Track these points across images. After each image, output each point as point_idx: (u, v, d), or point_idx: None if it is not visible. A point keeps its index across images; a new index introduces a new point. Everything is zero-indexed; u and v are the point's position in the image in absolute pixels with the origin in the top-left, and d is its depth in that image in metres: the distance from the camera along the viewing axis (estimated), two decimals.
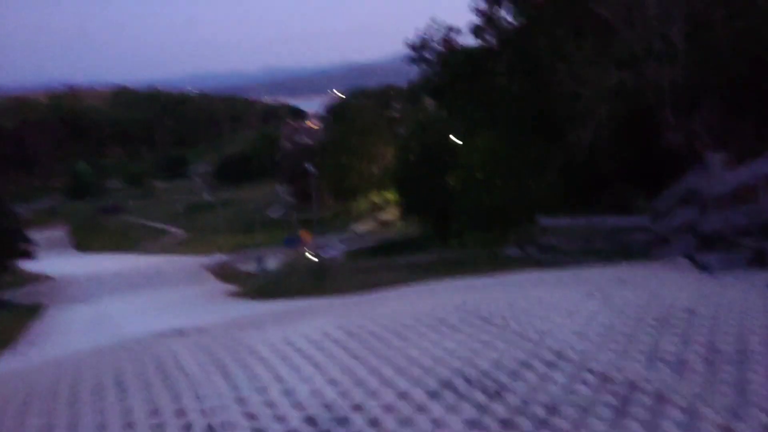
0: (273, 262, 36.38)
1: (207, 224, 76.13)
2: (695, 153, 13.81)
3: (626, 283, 3.28)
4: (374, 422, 1.85)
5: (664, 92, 14.48)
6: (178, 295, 26.98)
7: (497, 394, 2.01)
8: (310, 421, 1.89)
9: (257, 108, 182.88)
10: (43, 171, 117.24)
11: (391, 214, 65.65)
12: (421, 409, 1.93)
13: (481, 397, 1.99)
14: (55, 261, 51.87)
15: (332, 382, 2.16)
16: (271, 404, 2.04)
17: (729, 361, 2.16)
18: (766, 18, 13.45)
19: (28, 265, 40.05)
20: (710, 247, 5.20)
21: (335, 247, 35.63)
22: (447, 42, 29.49)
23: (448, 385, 2.08)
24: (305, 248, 43.38)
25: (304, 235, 51.38)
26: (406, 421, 1.84)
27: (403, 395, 2.03)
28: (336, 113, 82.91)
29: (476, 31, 25.69)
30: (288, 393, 2.11)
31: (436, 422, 1.82)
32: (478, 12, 25.39)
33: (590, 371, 2.11)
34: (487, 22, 25.14)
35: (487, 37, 25.75)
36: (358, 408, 1.96)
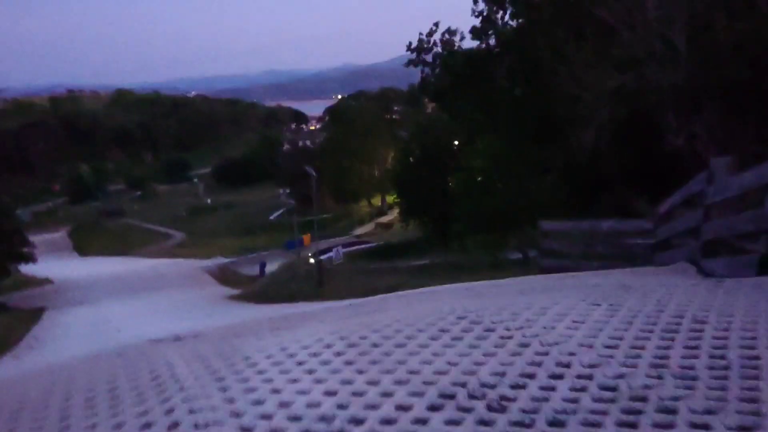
0: (273, 265, 36.30)
1: (208, 227, 76.17)
2: (697, 156, 13.76)
3: (632, 291, 3.22)
4: None
5: (665, 95, 14.44)
6: (178, 299, 26.95)
7: (500, 406, 1.95)
8: None
9: (258, 111, 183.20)
10: (43, 174, 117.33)
11: (391, 216, 65.63)
12: (420, 422, 1.87)
13: (482, 410, 1.92)
14: (55, 264, 51.83)
15: (329, 394, 2.10)
16: (267, 417, 1.98)
17: (741, 373, 2.09)
18: (767, 20, 13.39)
19: (28, 268, 40.02)
20: (714, 253, 5.14)
21: (335, 250, 35.54)
22: (447, 45, 29.48)
23: (449, 397, 2.01)
24: (306, 251, 43.31)
25: (305, 238, 51.33)
26: None
27: (402, 407, 1.97)
28: (336, 116, 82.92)
29: (476, 33, 25.68)
30: (284, 405, 2.04)
31: None
32: (478, 14, 25.40)
33: (596, 383, 2.04)
34: (487, 25, 25.13)
35: (488, 39, 25.75)
36: (355, 421, 1.90)
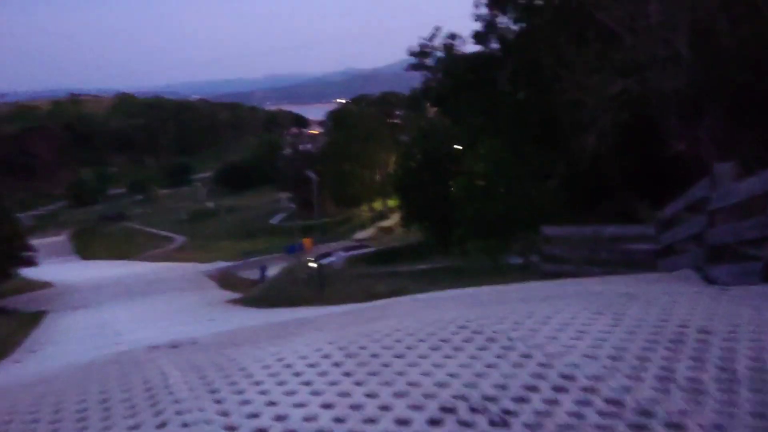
0: (274, 269, 36.26)
1: (209, 231, 76.18)
2: (699, 161, 13.70)
3: (636, 300, 3.16)
4: None
5: (668, 100, 14.39)
6: (178, 303, 26.90)
7: (502, 420, 1.90)
8: None
9: (260, 115, 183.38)
10: (45, 178, 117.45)
11: (392, 221, 65.57)
12: None
13: (484, 424, 1.87)
14: (56, 268, 51.90)
15: (327, 407, 2.04)
16: (262, 431, 1.93)
17: (748, 385, 2.04)
18: None
19: (29, 272, 40.02)
20: (718, 259, 5.08)
21: (336, 255, 35.50)
22: (449, 49, 29.47)
23: (449, 410, 1.96)
24: (306, 256, 43.28)
25: (306, 242, 51.30)
26: None
27: (402, 422, 1.91)
28: (338, 120, 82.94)
29: (478, 37, 25.67)
30: (280, 419, 1.99)
31: None
32: (480, 19, 25.39)
33: (601, 397, 1.99)
34: (489, 29, 25.12)
35: (489, 44, 25.73)
36: None
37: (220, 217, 77.49)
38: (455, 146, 34.67)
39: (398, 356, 2.45)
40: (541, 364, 2.26)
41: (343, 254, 36.62)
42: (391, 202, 65.64)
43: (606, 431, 1.81)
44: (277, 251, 53.44)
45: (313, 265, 29.41)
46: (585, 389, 2.05)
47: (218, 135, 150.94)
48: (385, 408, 2.00)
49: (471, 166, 25.29)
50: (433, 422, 1.89)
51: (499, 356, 2.37)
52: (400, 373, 2.26)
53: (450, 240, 32.41)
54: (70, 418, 2.27)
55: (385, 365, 2.36)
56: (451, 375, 2.21)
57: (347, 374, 2.31)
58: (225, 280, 38.30)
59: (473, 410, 1.95)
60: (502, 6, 24.73)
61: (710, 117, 14.07)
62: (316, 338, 3.06)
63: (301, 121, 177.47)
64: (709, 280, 4.82)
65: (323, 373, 2.34)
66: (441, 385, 2.14)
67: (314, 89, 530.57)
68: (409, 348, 2.54)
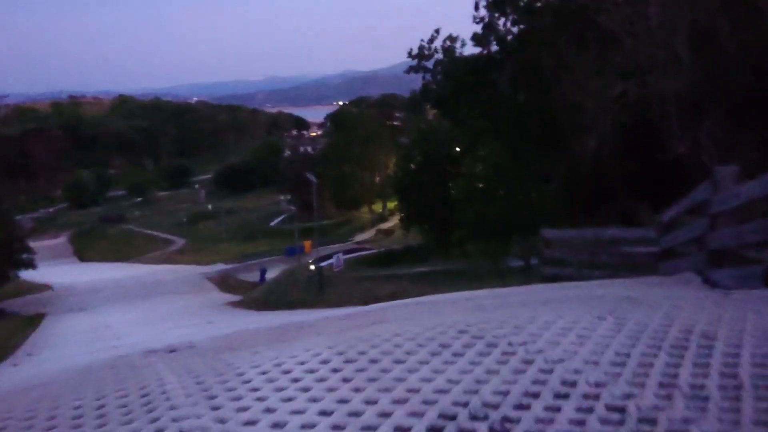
0: (274, 271, 36.24)
1: (208, 233, 76.11)
2: (700, 164, 13.68)
3: (639, 304, 3.13)
4: None
5: (668, 102, 14.37)
6: (178, 305, 26.90)
7: (503, 428, 1.86)
8: None
9: (260, 117, 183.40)
10: (45, 180, 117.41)
11: (392, 223, 65.54)
12: None
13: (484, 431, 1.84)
14: (55, 270, 51.84)
15: (325, 414, 2.01)
16: None
17: (754, 393, 2.00)
18: None
19: (28, 274, 40.01)
20: (719, 263, 5.05)
21: (336, 257, 35.46)
22: (448, 51, 29.46)
23: (449, 418, 1.92)
24: (306, 258, 43.24)
25: (306, 244, 51.26)
26: None
27: (401, 429, 1.88)
28: (337, 122, 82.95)
29: (478, 39, 25.64)
30: (277, 426, 1.96)
31: None
32: (480, 21, 25.37)
33: (604, 404, 1.96)
34: (489, 31, 25.10)
35: (489, 46, 25.71)
36: None
37: (220, 219, 77.42)
38: (455, 148, 34.67)
39: (398, 362, 2.42)
40: (543, 370, 2.22)
41: (342, 257, 36.57)
42: (391, 205, 65.64)
43: None
44: (277, 254, 53.44)
45: (313, 267, 29.40)
46: (587, 396, 2.02)
47: (218, 137, 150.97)
48: (384, 415, 1.97)
49: (471, 168, 25.31)
50: (433, 430, 1.86)
51: (499, 362, 2.34)
52: (400, 379, 2.23)
53: (450, 242, 32.41)
54: (66, 424, 2.24)
55: (385, 371, 2.33)
56: (451, 381, 2.18)
57: (346, 380, 2.28)
58: (225, 283, 38.32)
59: (473, 418, 1.92)
60: (502, 8, 24.72)
61: (711, 119, 14.05)
62: (315, 343, 3.03)
63: (302, 124, 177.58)
64: (711, 284, 4.79)
65: (321, 379, 2.31)
66: (441, 391, 2.10)
67: (314, 91, 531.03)
68: (408, 353, 2.51)
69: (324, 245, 52.66)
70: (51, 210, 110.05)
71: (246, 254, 56.78)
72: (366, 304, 12.62)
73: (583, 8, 18.99)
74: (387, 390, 2.14)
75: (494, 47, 25.76)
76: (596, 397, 2.01)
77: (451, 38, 30.19)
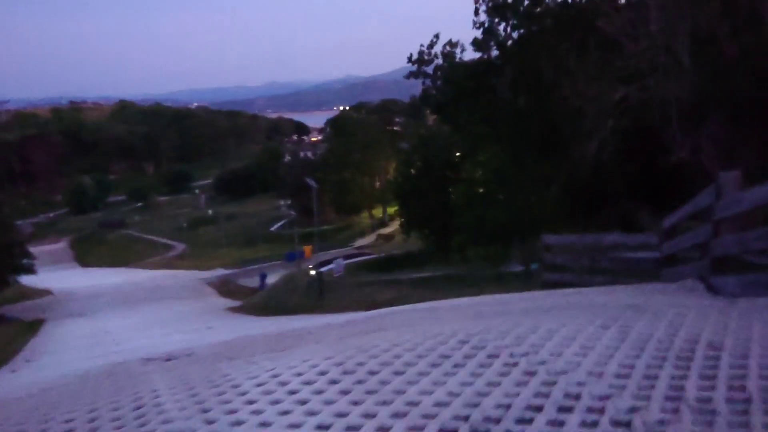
0: (274, 277, 36.16)
1: (208, 239, 76.04)
2: (702, 169, 13.64)
3: (642, 312, 3.07)
4: None
5: (669, 107, 14.32)
6: (178, 310, 26.82)
7: None
8: None
9: (260, 123, 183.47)
10: (46, 185, 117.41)
11: (392, 228, 65.46)
12: None
13: None
14: (55, 275, 51.79)
15: (322, 428, 1.95)
16: None
17: (762, 407, 1.95)
18: None
19: (28, 279, 39.94)
20: (723, 269, 4.99)
21: (336, 263, 35.40)
22: (448, 57, 29.44)
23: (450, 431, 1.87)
24: (307, 263, 43.18)
25: (306, 249, 51.18)
26: None
27: None
28: (337, 128, 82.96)
29: (478, 44, 25.63)
30: None
31: None
32: (480, 26, 25.36)
33: (608, 418, 1.90)
34: (489, 36, 25.09)
35: (489, 51, 25.70)
36: None
37: (220, 224, 77.37)
38: (455, 153, 34.64)
39: (397, 373, 2.37)
40: (545, 382, 2.17)
41: (342, 262, 36.50)
42: (391, 210, 65.59)
43: None
44: (277, 259, 53.37)
45: (313, 273, 29.33)
46: (591, 409, 1.97)
47: (218, 143, 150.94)
48: (382, 430, 1.91)
49: (471, 173, 25.26)
50: None
51: (501, 373, 2.28)
52: (399, 392, 2.18)
53: (450, 247, 32.34)
54: None
55: (383, 383, 2.28)
56: (452, 394, 2.13)
57: (344, 392, 2.22)
58: (225, 288, 38.23)
59: (473, 431, 1.87)
60: (502, 13, 24.72)
61: (712, 124, 14.01)
62: (313, 352, 2.98)
63: (302, 129, 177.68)
64: (714, 291, 4.74)
65: (319, 392, 2.25)
66: (441, 404, 2.05)
67: (314, 97, 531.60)
68: (408, 364, 2.46)
69: (324, 250, 52.60)
70: (51, 215, 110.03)
71: (246, 259, 56.71)
72: (366, 309, 12.56)
73: (583, 13, 18.98)
74: (386, 403, 2.09)
75: (494, 52, 25.75)
76: (601, 410, 1.95)
77: (451, 43, 30.19)
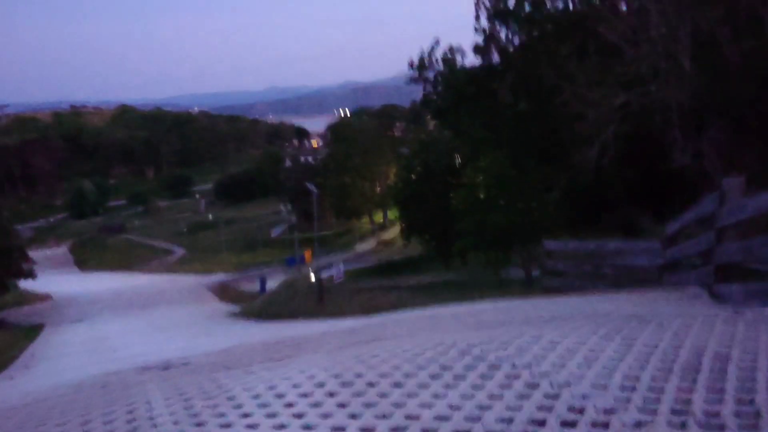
0: (274, 281, 36.09)
1: (209, 243, 75.95)
2: (703, 174, 13.59)
3: (647, 322, 3.01)
4: None
5: (671, 112, 14.27)
6: (177, 315, 26.74)
7: None
8: None
9: (261, 127, 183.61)
10: (46, 190, 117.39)
11: (393, 233, 65.39)
12: None
13: None
14: (55, 279, 51.66)
15: None
16: None
17: None
18: None
19: (28, 284, 39.84)
20: (726, 277, 4.94)
21: (336, 268, 35.32)
22: (449, 62, 29.43)
23: None
24: (307, 268, 43.12)
25: (306, 254, 51.12)
26: None
27: None
28: (338, 133, 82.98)
29: (479, 50, 25.62)
30: None
31: None
32: (481, 31, 25.36)
33: None
34: (490, 41, 25.08)
35: (490, 56, 25.69)
36: None
37: (220, 229, 77.31)
38: (456, 159, 34.59)
39: (396, 385, 2.31)
40: (548, 395, 2.11)
41: (343, 267, 36.41)
42: (392, 215, 65.54)
43: None
44: (278, 263, 53.30)
45: (313, 278, 29.27)
46: (595, 424, 1.91)
47: (219, 147, 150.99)
48: None
49: (471, 178, 25.18)
50: None
51: (503, 386, 2.23)
52: (398, 405, 2.12)
53: (451, 253, 32.25)
54: None
55: (382, 395, 2.22)
56: (453, 407, 2.07)
57: (342, 405, 2.16)
58: (224, 293, 38.12)
59: None
60: (502, 18, 24.70)
61: (714, 129, 13.96)
62: (311, 362, 2.93)
63: (302, 134, 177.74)
64: (718, 299, 4.68)
65: (316, 404, 2.20)
66: (441, 418, 2.00)
67: (315, 101, 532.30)
68: (407, 375, 2.40)
69: (324, 255, 52.54)
70: (51, 219, 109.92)
71: (246, 264, 56.63)
72: (366, 315, 12.50)
73: (584, 18, 18.96)
74: (385, 417, 2.03)
75: (495, 58, 25.73)
76: (606, 425, 1.90)
77: (452, 49, 30.18)
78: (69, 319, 29.35)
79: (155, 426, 2.17)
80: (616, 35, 15.94)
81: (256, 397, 2.35)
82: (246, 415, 2.16)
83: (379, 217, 74.88)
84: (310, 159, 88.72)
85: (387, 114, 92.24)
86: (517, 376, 2.30)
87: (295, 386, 2.41)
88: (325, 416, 2.08)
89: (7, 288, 36.97)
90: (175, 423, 2.17)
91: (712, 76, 13.90)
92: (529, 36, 23.93)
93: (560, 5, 23.69)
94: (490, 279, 21.04)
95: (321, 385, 2.39)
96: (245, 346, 5.70)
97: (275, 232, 75.17)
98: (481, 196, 24.23)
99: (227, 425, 2.09)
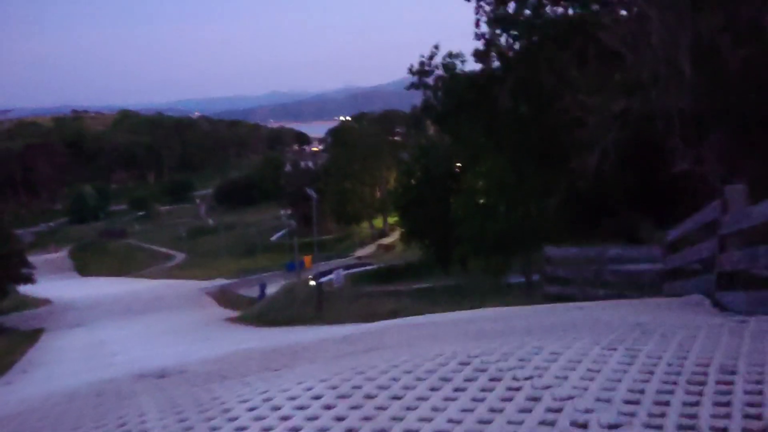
0: (274, 287, 36.02)
1: (209, 248, 75.92)
2: (704, 180, 13.53)
3: (650, 333, 2.96)
4: None
5: (671, 119, 14.23)
6: (176, 321, 26.68)
7: None
8: None
9: (262, 132, 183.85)
10: (47, 194, 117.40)
11: (393, 238, 65.35)
12: None
13: None
14: (55, 284, 51.67)
15: None
16: None
17: None
18: None
19: (28, 289, 39.82)
20: (729, 285, 4.88)
21: (336, 273, 35.28)
22: (449, 68, 29.42)
23: None
24: (307, 273, 43.07)
25: (306, 259, 51.06)
26: None
27: None
28: (338, 138, 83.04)
29: (479, 55, 25.60)
30: None
31: None
32: (481, 37, 25.34)
33: None
34: (490, 47, 25.06)
35: (490, 62, 25.67)
36: None
37: (220, 234, 77.28)
38: (456, 164, 34.58)
39: (394, 397, 2.26)
40: (551, 409, 2.06)
41: (343, 272, 36.37)
42: (392, 220, 65.51)
43: None
44: (277, 268, 53.24)
45: (313, 283, 29.20)
46: None
47: (220, 152, 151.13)
48: None
49: (472, 184, 25.17)
50: None
51: (504, 398, 2.17)
52: (396, 419, 2.07)
53: (451, 258, 32.22)
54: None
55: (380, 408, 2.17)
56: (452, 421, 2.02)
57: (338, 419, 2.11)
58: (224, 298, 38.06)
59: None
60: (503, 24, 24.68)
61: (715, 136, 13.91)
62: (308, 373, 2.87)
63: (303, 139, 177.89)
64: (721, 307, 4.63)
65: (312, 417, 2.14)
66: None
67: (315, 106, 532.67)
68: (406, 388, 2.35)
69: (324, 260, 52.48)
70: (52, 224, 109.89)
71: (246, 269, 56.57)
72: (365, 321, 12.43)
73: (584, 24, 18.94)
74: (383, 431, 1.98)
75: (495, 63, 25.71)
76: None
77: (452, 54, 30.16)
78: (68, 324, 29.30)
79: None
80: (616, 41, 15.91)
81: (252, 409, 2.29)
82: (241, 429, 2.11)
83: (379, 223, 74.85)
84: (310, 164, 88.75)
85: (387, 119, 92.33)
86: (518, 389, 2.24)
87: (291, 398, 2.36)
88: (322, 430, 2.03)
89: (7, 293, 36.93)
90: None
91: (713, 83, 13.86)
92: (529, 41, 23.91)
93: (560, 11, 23.69)
94: (490, 285, 20.98)
95: (317, 397, 2.34)
96: (243, 353, 5.64)
97: (275, 237, 75.17)
98: (481, 201, 24.21)
99: None
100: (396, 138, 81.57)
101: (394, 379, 2.45)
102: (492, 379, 2.36)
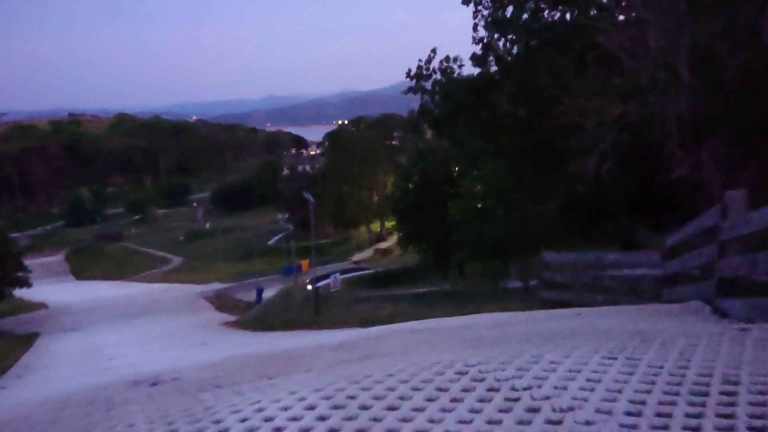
0: (271, 291, 35.92)
1: (206, 252, 75.74)
2: (702, 185, 13.52)
3: (651, 341, 2.91)
4: None
5: (669, 124, 14.22)
6: (173, 325, 26.59)
7: None
8: None
9: (259, 136, 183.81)
10: (44, 198, 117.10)
11: (390, 242, 65.26)
12: None
13: None
14: (51, 288, 51.49)
15: None
16: None
17: None
18: None
19: (24, 292, 39.66)
20: (729, 292, 4.84)
21: (333, 277, 35.17)
22: (446, 72, 29.38)
23: None
24: (304, 277, 42.96)
25: (303, 263, 50.93)
26: None
27: None
28: (336, 142, 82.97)
29: (477, 60, 25.58)
30: None
31: None
32: (479, 41, 25.32)
33: None
34: (488, 51, 25.04)
35: (488, 66, 25.65)
36: None
37: (217, 237, 77.11)
38: (453, 168, 34.55)
39: (390, 408, 2.20)
40: (550, 421, 2.00)
41: (340, 276, 36.25)
42: (389, 224, 65.43)
43: None
44: (274, 272, 53.10)
45: (310, 287, 29.11)
46: None
47: (217, 156, 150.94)
48: None
49: (470, 188, 25.11)
50: None
51: (502, 410, 2.12)
52: (391, 430, 2.01)
53: (448, 263, 32.15)
54: None
55: (375, 419, 2.11)
56: None
57: (332, 430, 2.05)
58: (221, 302, 37.95)
59: None
60: (501, 28, 24.67)
61: (712, 141, 13.90)
62: (302, 382, 2.81)
63: (300, 143, 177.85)
64: (721, 314, 4.58)
65: (306, 429, 2.09)
66: None
67: (313, 110, 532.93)
68: (402, 398, 2.29)
69: (322, 264, 52.36)
70: (48, 228, 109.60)
71: (243, 273, 56.42)
72: (362, 326, 12.38)
73: (582, 29, 18.93)
74: None
75: (493, 67, 25.69)
76: None
77: (449, 59, 30.12)
78: (64, 328, 29.19)
79: None
80: (614, 46, 15.91)
81: (244, 420, 2.24)
82: None
83: (376, 227, 74.77)
84: (307, 168, 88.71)
85: (385, 123, 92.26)
86: (516, 399, 2.19)
87: (284, 409, 2.30)
88: None
89: (3, 296, 36.79)
90: None
91: (711, 88, 13.85)
92: (527, 46, 23.90)
93: (558, 15, 23.70)
94: (487, 290, 20.92)
95: (311, 408, 2.28)
96: (238, 359, 5.58)
97: (272, 241, 75.03)
98: (479, 205, 24.15)
99: None
100: (394, 142, 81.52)
101: (390, 389, 2.39)
102: (490, 389, 2.30)
